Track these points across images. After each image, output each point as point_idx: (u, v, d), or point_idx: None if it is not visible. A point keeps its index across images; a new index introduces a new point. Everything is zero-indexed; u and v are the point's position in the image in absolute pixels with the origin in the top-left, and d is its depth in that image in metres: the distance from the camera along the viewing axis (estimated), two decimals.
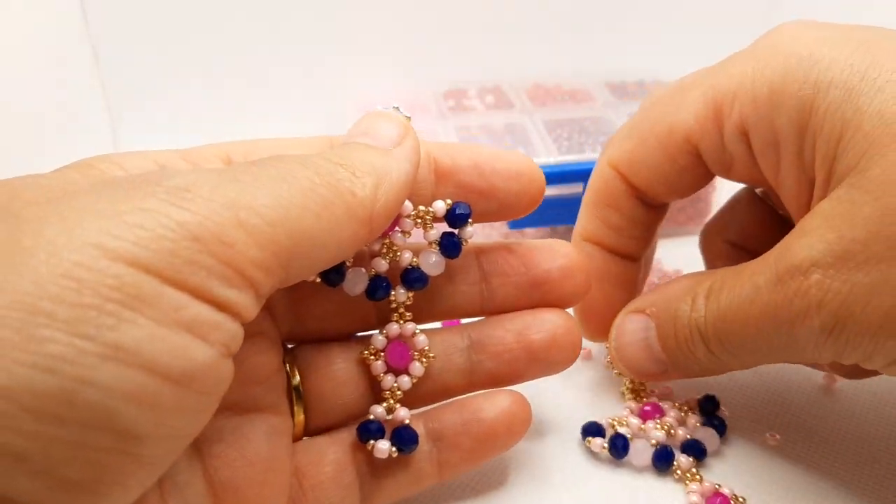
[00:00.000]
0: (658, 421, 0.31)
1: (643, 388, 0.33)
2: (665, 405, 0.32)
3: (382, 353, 0.26)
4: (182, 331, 0.18)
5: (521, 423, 0.27)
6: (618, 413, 0.32)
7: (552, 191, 0.41)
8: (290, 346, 0.27)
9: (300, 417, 0.26)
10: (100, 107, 0.54)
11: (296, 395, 0.26)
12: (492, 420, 0.27)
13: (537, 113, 0.49)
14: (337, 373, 0.27)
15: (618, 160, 0.30)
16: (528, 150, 0.44)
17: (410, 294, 0.27)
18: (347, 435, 0.26)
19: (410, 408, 0.26)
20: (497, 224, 0.43)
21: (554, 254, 0.28)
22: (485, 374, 0.27)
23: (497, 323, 0.28)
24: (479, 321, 0.28)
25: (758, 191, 0.33)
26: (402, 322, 0.27)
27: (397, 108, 0.25)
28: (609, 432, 0.30)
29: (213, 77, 0.55)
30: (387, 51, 0.56)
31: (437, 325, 0.29)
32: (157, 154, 0.24)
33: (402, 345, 0.26)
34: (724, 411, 0.31)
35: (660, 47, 0.56)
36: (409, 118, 0.25)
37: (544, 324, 0.27)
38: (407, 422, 0.26)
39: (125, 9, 0.52)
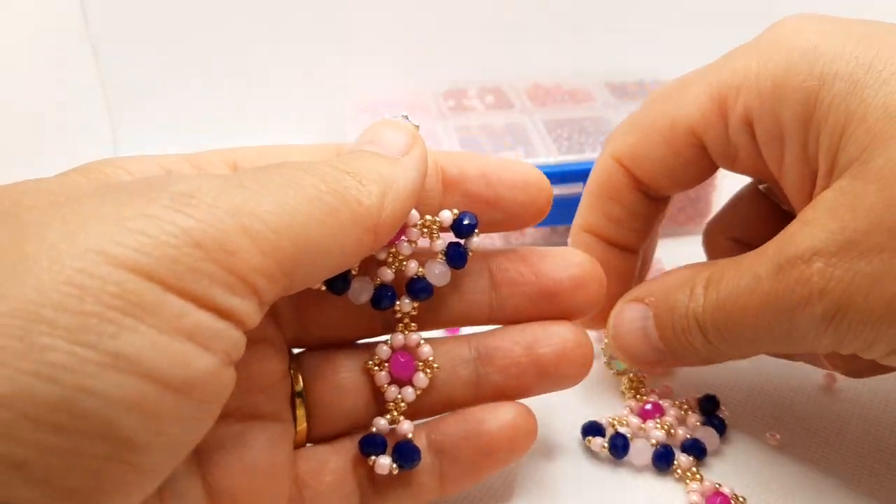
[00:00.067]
0: (658, 420, 0.31)
1: (642, 386, 0.33)
2: (665, 404, 0.32)
3: (387, 364, 0.26)
4: (183, 339, 0.17)
5: (525, 437, 0.26)
6: (618, 412, 0.32)
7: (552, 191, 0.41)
8: (295, 351, 0.27)
9: (303, 425, 0.26)
10: (100, 107, 0.54)
11: (299, 401, 0.26)
12: (494, 433, 0.26)
13: (537, 113, 0.49)
14: (341, 381, 0.26)
15: (621, 153, 0.30)
16: (528, 150, 0.44)
17: (415, 304, 0.26)
18: (350, 445, 0.26)
19: (414, 419, 0.26)
20: None
21: (566, 262, 0.27)
22: (491, 388, 0.27)
23: (505, 335, 0.27)
24: (486, 332, 0.27)
25: (761, 187, 0.33)
26: (406, 332, 0.26)
27: (406, 116, 0.25)
28: (609, 432, 0.30)
29: (213, 77, 0.55)
30: (387, 51, 0.56)
31: (441, 333, 0.28)
32: (162, 158, 0.23)
33: (406, 355, 0.26)
34: (724, 411, 0.32)
35: (660, 47, 0.55)
36: (417, 127, 0.25)
37: (553, 337, 0.27)
38: (410, 436, 0.26)
39: (125, 9, 0.52)
